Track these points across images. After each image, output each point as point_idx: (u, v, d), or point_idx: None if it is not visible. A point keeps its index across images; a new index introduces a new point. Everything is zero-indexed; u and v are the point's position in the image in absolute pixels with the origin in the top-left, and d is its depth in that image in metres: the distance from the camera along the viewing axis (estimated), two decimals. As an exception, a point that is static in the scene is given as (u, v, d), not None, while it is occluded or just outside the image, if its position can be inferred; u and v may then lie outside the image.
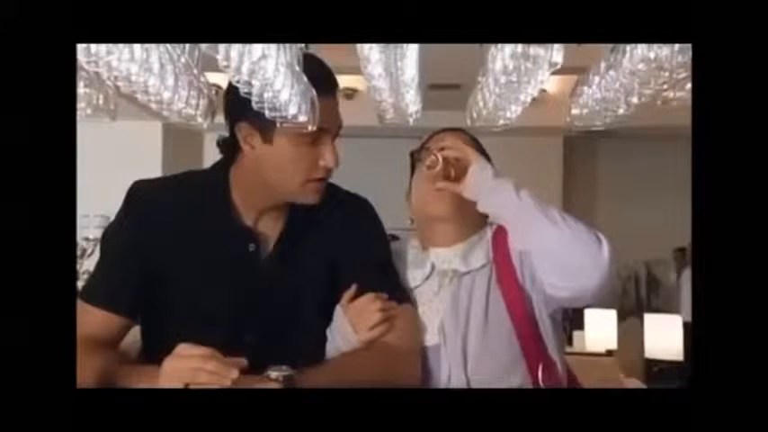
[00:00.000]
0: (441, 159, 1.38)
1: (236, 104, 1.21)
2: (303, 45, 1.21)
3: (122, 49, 1.24)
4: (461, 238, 1.46)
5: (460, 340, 1.37)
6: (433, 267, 1.45)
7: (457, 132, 1.50)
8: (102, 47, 1.20)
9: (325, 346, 1.36)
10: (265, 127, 1.24)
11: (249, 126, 1.26)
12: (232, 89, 1.20)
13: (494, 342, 1.38)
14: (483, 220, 1.49)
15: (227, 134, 1.33)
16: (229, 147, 1.33)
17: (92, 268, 1.44)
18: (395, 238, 1.63)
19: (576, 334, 4.54)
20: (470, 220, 1.46)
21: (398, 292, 1.38)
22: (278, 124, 1.18)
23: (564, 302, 1.39)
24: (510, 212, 1.36)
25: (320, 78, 1.24)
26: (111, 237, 1.38)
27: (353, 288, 1.33)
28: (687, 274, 6.02)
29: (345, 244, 1.36)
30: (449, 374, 1.37)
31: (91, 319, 1.28)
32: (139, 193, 1.37)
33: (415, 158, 1.50)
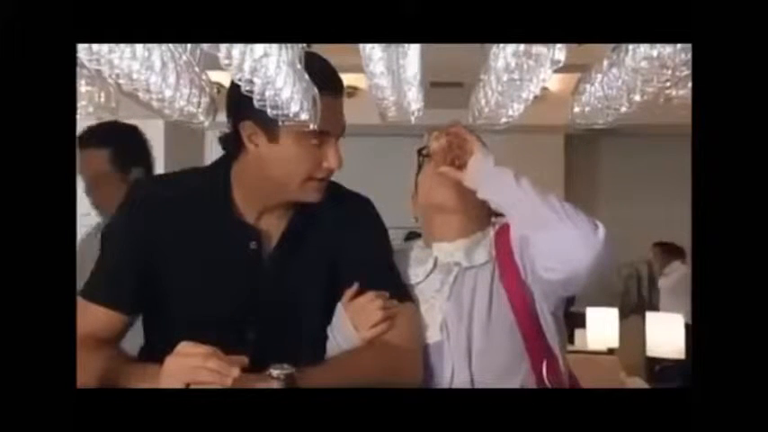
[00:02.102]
0: (444, 136, 1.40)
1: (241, 103, 1.21)
2: (305, 44, 1.21)
3: (124, 48, 1.24)
4: (464, 234, 1.46)
5: (465, 337, 1.37)
6: (435, 263, 1.46)
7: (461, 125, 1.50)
8: (104, 45, 1.20)
9: (326, 345, 1.36)
10: (270, 126, 1.24)
11: (254, 125, 1.26)
12: (236, 87, 1.20)
13: (497, 339, 1.38)
14: (486, 219, 1.49)
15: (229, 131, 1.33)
16: (232, 144, 1.32)
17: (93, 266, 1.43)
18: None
19: (577, 332, 4.53)
20: (473, 216, 1.46)
21: (400, 291, 1.38)
22: (279, 122, 1.18)
23: (558, 286, 1.38)
24: (509, 198, 1.36)
25: (326, 80, 1.24)
26: (112, 234, 1.38)
27: (355, 286, 1.33)
28: (672, 269, 6.04)
29: (347, 243, 1.36)
30: (452, 371, 1.37)
31: (91, 317, 1.28)
32: (140, 190, 1.37)
33: (422, 155, 1.50)
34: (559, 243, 1.30)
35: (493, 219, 1.50)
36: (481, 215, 1.47)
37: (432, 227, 1.50)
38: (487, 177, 1.37)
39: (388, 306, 1.32)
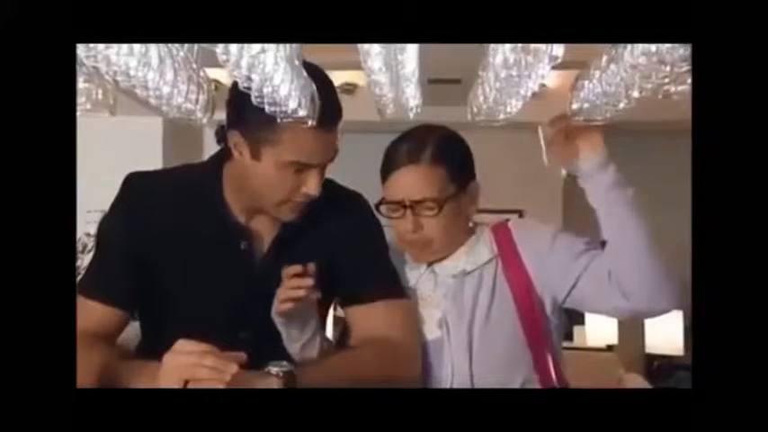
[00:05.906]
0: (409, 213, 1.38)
1: (233, 111, 1.22)
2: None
3: (121, 44, 1.23)
4: (457, 248, 1.45)
5: (466, 333, 1.37)
6: (428, 264, 1.45)
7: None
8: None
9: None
10: (254, 144, 1.24)
11: (240, 136, 1.26)
12: (233, 90, 1.20)
13: (500, 334, 1.38)
14: (469, 229, 1.47)
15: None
16: (225, 140, 1.32)
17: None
18: None
19: (576, 329, 4.54)
20: (459, 235, 1.45)
21: (396, 288, 1.38)
22: (278, 119, 1.17)
23: (614, 314, 1.41)
24: (617, 218, 1.35)
25: (326, 111, 1.21)
26: (106, 228, 1.38)
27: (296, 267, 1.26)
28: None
29: (340, 241, 1.36)
30: (452, 368, 1.36)
31: (87, 313, 1.28)
32: (133, 185, 1.36)
33: (381, 213, 1.46)
34: (646, 282, 1.30)
35: (470, 224, 1.48)
36: (464, 229, 1.46)
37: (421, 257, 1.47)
38: (605, 182, 1.38)
39: (299, 285, 1.23)
